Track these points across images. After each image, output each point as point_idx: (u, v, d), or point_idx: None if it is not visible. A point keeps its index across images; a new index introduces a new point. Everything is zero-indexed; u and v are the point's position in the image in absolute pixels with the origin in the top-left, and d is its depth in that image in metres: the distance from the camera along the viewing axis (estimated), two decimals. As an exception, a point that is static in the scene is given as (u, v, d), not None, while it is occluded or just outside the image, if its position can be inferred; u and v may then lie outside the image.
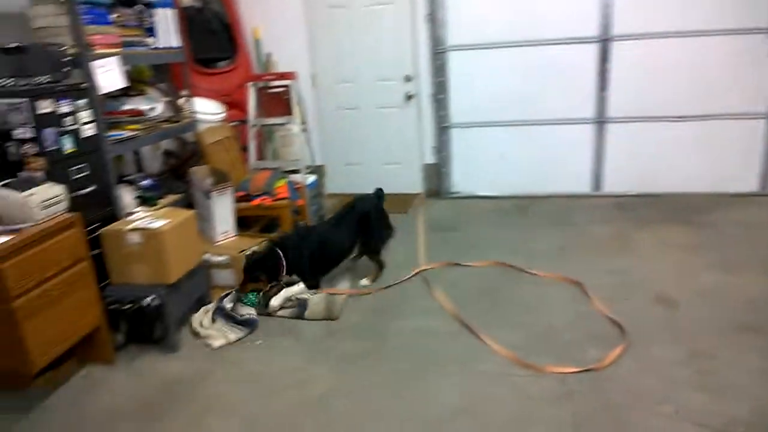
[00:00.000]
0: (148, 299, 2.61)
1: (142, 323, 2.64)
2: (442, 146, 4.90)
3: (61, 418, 2.26)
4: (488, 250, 3.75)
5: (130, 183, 3.27)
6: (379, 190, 3.55)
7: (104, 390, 2.44)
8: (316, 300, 3.02)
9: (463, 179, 4.99)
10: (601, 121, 4.62)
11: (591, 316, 2.82)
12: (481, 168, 4.92)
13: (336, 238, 3.26)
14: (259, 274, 3.01)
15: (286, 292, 3.03)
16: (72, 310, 2.37)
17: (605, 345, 2.54)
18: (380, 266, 3.39)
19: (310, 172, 4.35)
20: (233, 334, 2.82)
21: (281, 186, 3.58)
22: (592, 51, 4.47)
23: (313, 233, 3.28)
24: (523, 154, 4.83)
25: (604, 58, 4.45)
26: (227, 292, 3.10)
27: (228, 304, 2.98)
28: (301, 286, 3.08)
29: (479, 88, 4.71)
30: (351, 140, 5.12)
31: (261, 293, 3.03)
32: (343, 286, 3.29)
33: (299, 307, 2.98)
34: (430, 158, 5.00)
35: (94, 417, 2.26)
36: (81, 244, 2.43)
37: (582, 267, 3.36)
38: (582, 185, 4.82)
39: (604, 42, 4.41)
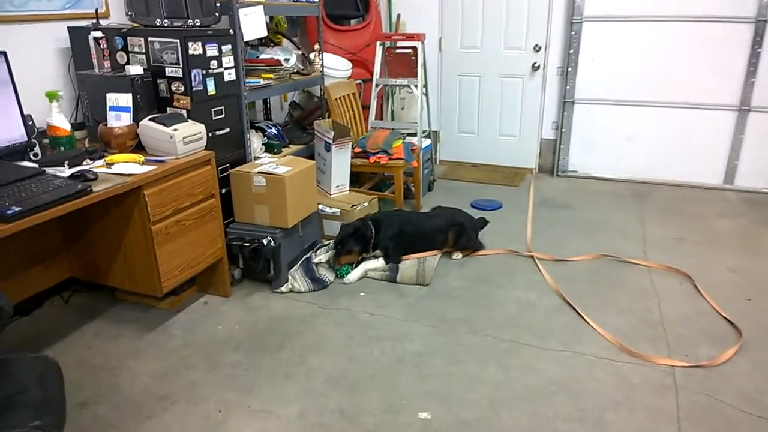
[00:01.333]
0: (266, 240, 2.77)
1: (257, 261, 2.82)
2: (562, 122, 4.64)
3: (179, 340, 2.48)
4: (599, 232, 3.57)
5: (259, 129, 3.45)
6: (482, 220, 3.49)
7: (219, 320, 2.64)
8: (407, 264, 3.04)
9: (580, 158, 4.72)
10: (744, 109, 4.15)
11: (705, 313, 2.62)
12: (602, 148, 4.62)
13: (426, 226, 3.22)
14: (352, 246, 3.01)
15: (365, 266, 3.04)
16: (199, 240, 2.58)
17: (719, 344, 2.36)
18: (475, 249, 3.31)
19: (426, 137, 4.33)
20: (300, 285, 2.90)
21: (398, 146, 3.59)
22: (745, 32, 3.99)
23: (405, 216, 3.25)
24: (650, 137, 4.46)
25: (758, 41, 3.95)
26: (325, 244, 3.21)
27: (316, 258, 3.06)
28: (381, 261, 3.06)
29: (611, 63, 4.38)
30: (468, 108, 5.01)
31: (353, 266, 3.05)
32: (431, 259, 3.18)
33: (390, 271, 3.02)
34: (548, 133, 4.78)
35: (207, 343, 2.46)
36: (213, 180, 2.62)
37: (701, 261, 3.12)
38: (712, 176, 4.40)
39: (761, 23, 3.90)
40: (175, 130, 2.45)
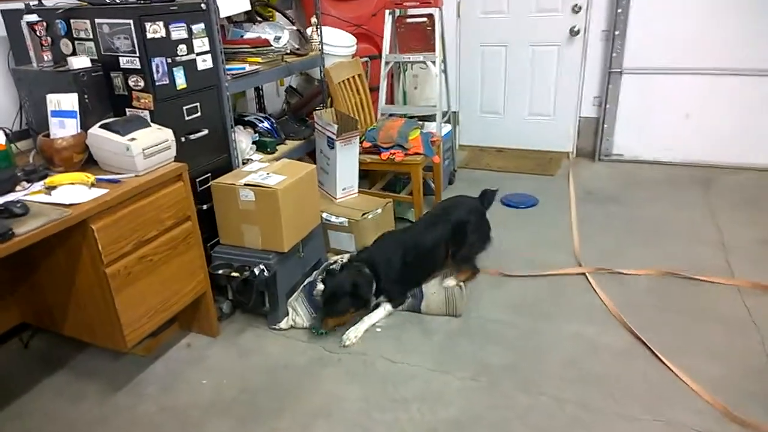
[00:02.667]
0: (258, 269, 2.24)
1: (249, 294, 2.29)
2: (606, 97, 4.00)
3: (152, 404, 1.97)
4: (663, 234, 2.97)
5: (249, 124, 2.89)
6: (490, 193, 2.81)
7: (203, 370, 2.14)
8: (432, 289, 2.47)
9: (628, 139, 4.08)
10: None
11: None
12: (656, 126, 3.97)
13: (429, 244, 2.51)
14: (346, 306, 2.29)
15: (368, 321, 2.36)
16: (174, 276, 2.05)
17: None
18: (473, 272, 2.62)
19: (446, 121, 3.73)
20: (303, 319, 2.39)
21: (415, 138, 3.01)
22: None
23: (402, 240, 2.51)
24: (715, 112, 3.80)
25: None
26: (332, 263, 2.66)
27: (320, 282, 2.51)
28: (386, 309, 2.42)
29: (669, 24, 3.69)
30: (493, 84, 4.37)
31: (348, 330, 2.31)
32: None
33: (413, 297, 2.47)
34: (588, 111, 4.14)
35: (187, 408, 1.95)
36: (187, 200, 2.07)
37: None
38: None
39: None
40: (133, 140, 1.90)
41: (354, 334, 2.28)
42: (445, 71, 3.67)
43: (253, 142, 2.79)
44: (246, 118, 2.93)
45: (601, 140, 4.12)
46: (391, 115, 3.57)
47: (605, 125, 4.07)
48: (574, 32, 3.96)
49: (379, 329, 2.34)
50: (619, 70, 3.91)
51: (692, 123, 3.88)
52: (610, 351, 2.12)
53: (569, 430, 1.78)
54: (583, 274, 2.64)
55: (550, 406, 1.87)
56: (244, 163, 2.60)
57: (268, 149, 2.82)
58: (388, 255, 2.44)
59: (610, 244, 2.91)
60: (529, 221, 3.24)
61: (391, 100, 3.95)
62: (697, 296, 2.43)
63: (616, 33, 3.81)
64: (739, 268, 2.60)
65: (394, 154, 2.95)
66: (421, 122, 3.34)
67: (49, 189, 1.80)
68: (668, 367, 2.00)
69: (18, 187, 1.81)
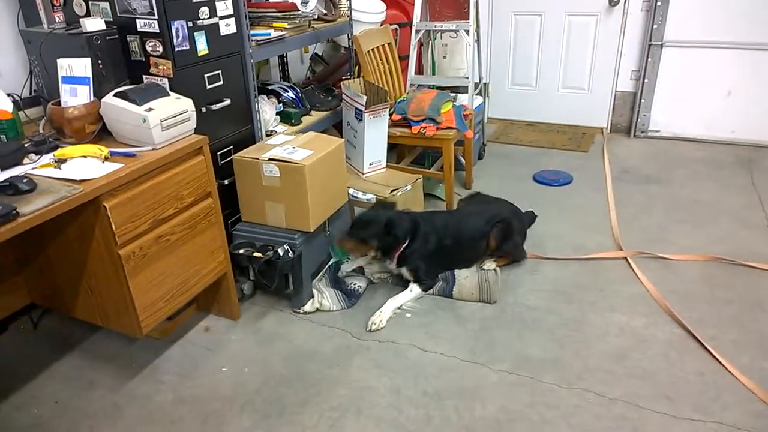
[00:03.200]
0: (282, 249, 2.11)
1: (272, 276, 2.16)
2: (645, 70, 3.75)
3: (169, 393, 1.86)
4: (706, 217, 2.79)
5: (273, 94, 2.72)
6: (532, 214, 2.73)
7: (223, 357, 2.02)
8: (465, 273, 2.33)
9: (666, 115, 3.85)
10: None
11: None
12: (696, 102, 3.74)
13: (465, 231, 2.36)
14: (372, 238, 2.23)
15: (394, 303, 2.21)
16: (193, 257, 1.92)
17: None
18: (514, 258, 2.50)
19: (477, 93, 3.52)
20: (330, 302, 2.27)
21: (447, 111, 2.82)
22: None
23: (443, 223, 2.36)
24: (759, 89, 3.57)
25: None
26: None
27: (347, 265, 2.43)
28: (414, 292, 2.26)
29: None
30: (526, 55, 4.14)
31: (348, 260, 2.31)
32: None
33: (444, 281, 2.33)
34: (625, 85, 3.90)
35: (207, 399, 1.84)
36: (208, 175, 1.93)
37: None
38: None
39: None
40: (150, 110, 1.75)
41: (379, 318, 2.15)
42: (478, 40, 3.45)
43: (277, 113, 2.63)
44: (270, 87, 2.76)
45: (638, 116, 3.89)
46: (420, 86, 3.37)
47: (642, 100, 3.83)
48: (613, 2, 3.69)
49: (408, 315, 2.20)
50: (659, 42, 3.65)
51: (734, 100, 3.63)
52: (660, 344, 1.97)
53: (607, 423, 1.64)
54: (625, 258, 2.48)
55: (595, 403, 1.73)
56: (267, 135, 2.45)
57: (293, 120, 2.65)
58: (429, 228, 2.30)
59: (650, 227, 2.74)
60: (564, 200, 3.06)
61: (420, 70, 3.74)
62: (749, 285, 2.27)
63: (658, 4, 3.55)
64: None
65: (426, 128, 2.77)
66: (452, 94, 3.15)
67: (59, 162, 1.67)
68: (721, 363, 1.85)
69: (26, 160, 1.68)
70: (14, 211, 1.36)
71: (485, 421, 1.69)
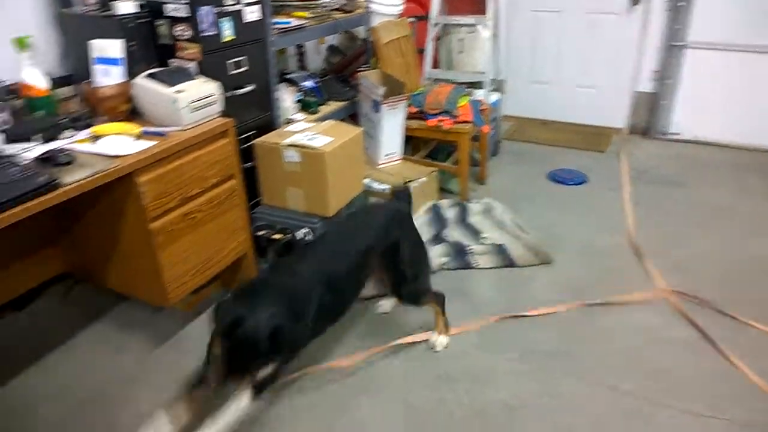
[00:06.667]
0: (301, 232, 2.17)
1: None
2: (666, 71, 3.76)
3: (195, 358, 1.92)
4: (726, 224, 2.79)
5: (292, 83, 2.78)
6: (405, 194, 1.97)
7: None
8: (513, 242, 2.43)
9: (688, 117, 3.84)
10: None
11: None
12: (718, 106, 3.72)
13: (342, 278, 1.64)
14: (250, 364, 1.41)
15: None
16: (216, 235, 1.99)
17: None
18: (441, 304, 1.96)
19: (494, 89, 3.56)
20: None
21: (464, 105, 2.87)
22: None
23: (303, 277, 1.56)
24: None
25: None
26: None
27: None
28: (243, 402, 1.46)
29: (739, -2, 3.43)
30: (543, 52, 4.16)
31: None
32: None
33: (500, 254, 2.42)
34: (645, 86, 3.91)
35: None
36: (232, 157, 1.99)
37: None
38: None
39: None
40: (180, 92, 1.82)
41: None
42: (495, 36, 3.48)
43: (297, 101, 2.69)
44: (288, 76, 2.82)
45: (657, 117, 3.90)
46: (436, 80, 3.42)
47: (663, 101, 3.84)
48: (635, 1, 3.70)
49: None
50: (683, 43, 3.65)
51: (759, 104, 3.63)
52: (675, 344, 1.99)
53: (628, 422, 1.68)
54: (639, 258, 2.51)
55: (606, 395, 1.77)
56: (286, 123, 2.50)
57: (311, 109, 2.71)
58: (286, 301, 1.47)
59: (667, 229, 2.75)
60: (578, 199, 3.08)
61: (436, 64, 3.78)
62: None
63: (682, 5, 3.55)
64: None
65: (443, 121, 2.81)
66: (469, 89, 3.19)
67: (95, 138, 1.74)
68: (737, 366, 1.87)
69: (65, 135, 1.76)
70: (55, 182, 1.43)
71: (498, 404, 1.74)
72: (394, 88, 2.71)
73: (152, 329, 2.10)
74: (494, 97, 3.53)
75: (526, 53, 4.21)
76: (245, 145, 2.27)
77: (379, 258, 1.72)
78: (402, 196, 1.95)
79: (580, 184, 3.26)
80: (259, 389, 1.45)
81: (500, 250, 2.45)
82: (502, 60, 4.12)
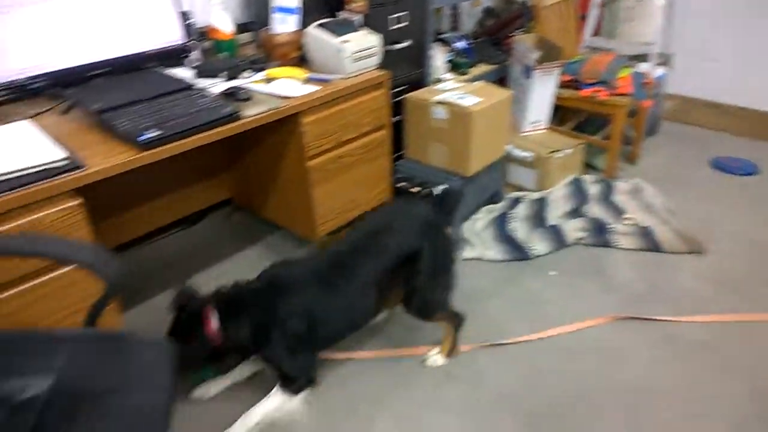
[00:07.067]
0: (440, 188, 2.23)
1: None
2: None
3: None
4: None
5: (445, 43, 2.81)
6: (447, 194, 1.80)
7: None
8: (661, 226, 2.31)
9: None
10: None
11: None
12: None
13: (346, 300, 1.55)
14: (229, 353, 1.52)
15: (257, 414, 1.53)
16: (363, 180, 2.12)
17: None
18: (456, 326, 1.76)
19: (661, 63, 3.28)
20: (492, 252, 2.28)
21: (624, 77, 2.69)
22: None
23: (308, 286, 1.54)
24: None
25: None
26: (521, 197, 2.56)
27: (512, 220, 2.44)
28: (277, 399, 1.54)
29: None
30: (722, 25, 3.71)
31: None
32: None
33: (644, 236, 2.31)
34: None
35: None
36: (386, 108, 2.09)
37: None
38: None
39: None
40: (345, 42, 1.93)
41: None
42: (671, 5, 3.18)
43: (447, 61, 2.72)
44: (441, 36, 2.84)
45: None
46: (594, 48, 3.23)
47: None
48: None
49: (553, 273, 2.22)
50: None
51: None
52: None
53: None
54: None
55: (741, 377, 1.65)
56: (435, 82, 2.54)
57: (461, 70, 2.72)
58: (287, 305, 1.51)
59: None
60: (745, 191, 2.78)
61: (597, 32, 3.56)
62: None
63: None
64: None
65: (598, 91, 2.67)
66: (631, 61, 2.97)
67: (269, 80, 1.92)
68: None
69: (244, 75, 1.96)
70: (237, 113, 1.62)
71: (624, 386, 1.70)
72: (549, 54, 2.62)
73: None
74: (659, 71, 3.25)
75: (704, 27, 3.79)
76: (395, 100, 2.36)
77: (395, 271, 1.57)
78: (440, 202, 1.73)
79: (749, 174, 2.93)
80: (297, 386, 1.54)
81: (646, 232, 2.32)
82: (675, 33, 3.76)
